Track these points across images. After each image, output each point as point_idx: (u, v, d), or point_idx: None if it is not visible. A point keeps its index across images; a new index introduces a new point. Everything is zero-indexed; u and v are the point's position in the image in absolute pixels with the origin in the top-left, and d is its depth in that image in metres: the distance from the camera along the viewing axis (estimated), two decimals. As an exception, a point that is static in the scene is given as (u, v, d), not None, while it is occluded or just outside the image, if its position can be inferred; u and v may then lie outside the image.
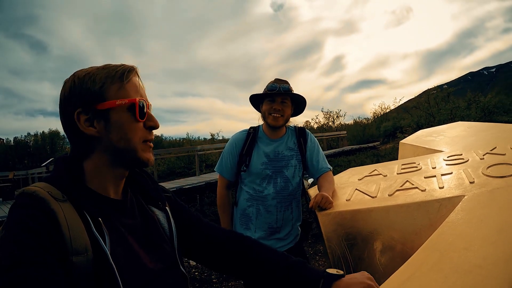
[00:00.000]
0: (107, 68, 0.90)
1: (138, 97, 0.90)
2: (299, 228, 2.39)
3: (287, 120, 2.28)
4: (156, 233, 0.98)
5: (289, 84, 2.23)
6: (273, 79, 2.27)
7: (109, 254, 0.79)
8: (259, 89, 2.33)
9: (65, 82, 0.89)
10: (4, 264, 0.68)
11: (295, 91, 2.24)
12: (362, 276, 0.95)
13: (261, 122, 2.37)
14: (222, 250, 1.11)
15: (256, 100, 2.36)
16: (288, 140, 2.34)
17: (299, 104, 2.34)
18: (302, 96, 2.26)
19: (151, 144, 0.96)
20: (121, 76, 0.89)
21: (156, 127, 0.95)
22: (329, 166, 2.32)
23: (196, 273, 4.72)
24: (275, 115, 2.20)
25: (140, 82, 0.95)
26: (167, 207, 1.07)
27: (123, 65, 0.91)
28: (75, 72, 0.90)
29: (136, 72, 0.94)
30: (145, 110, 0.91)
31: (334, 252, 1.58)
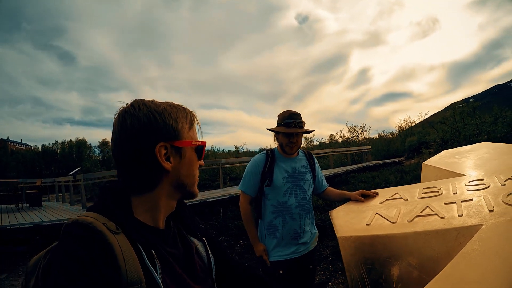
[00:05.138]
0: (176, 107, 0.97)
1: (204, 141, 1.01)
2: (317, 234, 2.78)
3: (300, 146, 2.72)
4: (198, 263, 1.03)
5: (301, 117, 2.64)
6: (286, 111, 2.67)
7: (161, 284, 0.82)
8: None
9: (134, 113, 0.89)
10: None
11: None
12: None
13: (275, 145, 2.82)
14: (246, 285, 1.18)
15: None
16: (302, 160, 2.79)
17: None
18: (311, 130, 2.72)
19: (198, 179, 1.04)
20: (191, 119, 0.99)
21: (202, 166, 1.04)
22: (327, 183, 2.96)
23: None
24: (292, 146, 2.63)
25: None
26: (204, 238, 1.13)
27: (186, 107, 1.00)
28: (143, 104, 0.92)
29: (195, 116, 1.03)
30: (205, 150, 1.03)
31: (352, 276, 1.61)
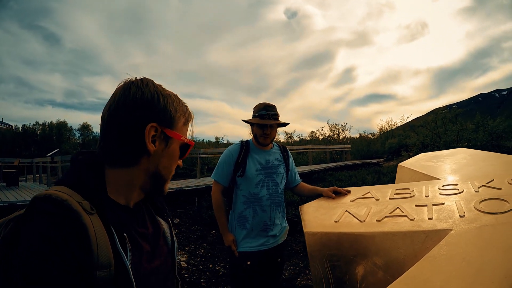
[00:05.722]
0: (180, 100, 0.97)
1: (193, 142, 1.01)
2: (287, 228, 2.79)
3: (273, 139, 2.73)
4: (162, 242, 1.03)
5: (276, 110, 2.65)
6: (261, 103, 2.68)
7: (130, 270, 0.80)
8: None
9: (141, 87, 0.89)
10: (20, 279, 0.67)
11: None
12: None
13: (250, 136, 2.80)
14: None
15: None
16: (276, 153, 2.79)
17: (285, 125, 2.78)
18: (285, 123, 2.71)
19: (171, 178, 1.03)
20: (188, 116, 0.99)
21: (180, 167, 1.03)
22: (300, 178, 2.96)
23: (186, 275, 4.72)
24: (265, 137, 2.64)
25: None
26: (169, 219, 1.13)
27: (187, 105, 1.00)
28: (152, 83, 0.92)
29: (192, 118, 1.03)
30: (188, 152, 1.01)
31: (316, 272, 1.57)
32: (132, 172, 0.90)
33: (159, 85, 0.94)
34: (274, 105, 2.67)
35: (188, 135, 1.01)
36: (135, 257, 0.86)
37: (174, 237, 1.10)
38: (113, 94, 0.90)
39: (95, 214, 0.79)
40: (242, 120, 2.76)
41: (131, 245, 0.85)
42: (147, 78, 0.93)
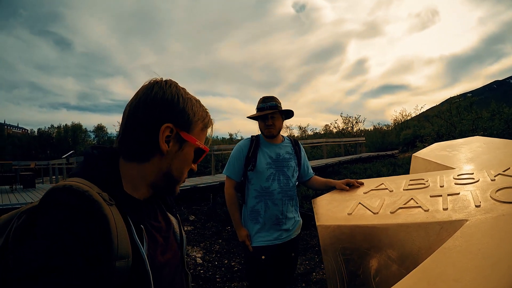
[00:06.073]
0: (201, 105, 0.99)
1: (208, 148, 1.01)
2: (300, 222, 2.80)
3: (280, 129, 2.73)
4: (172, 236, 1.06)
5: (275, 100, 2.68)
6: (261, 97, 2.73)
7: (147, 261, 0.82)
8: (280, 91, 2.90)
9: (163, 87, 0.91)
10: (32, 267, 0.66)
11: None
12: None
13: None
14: None
15: (255, 118, 2.78)
16: (287, 147, 2.78)
17: (287, 111, 2.76)
18: (285, 110, 2.72)
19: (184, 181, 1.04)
20: (208, 122, 1.01)
21: (194, 171, 1.04)
22: (313, 172, 2.93)
23: (202, 271, 4.74)
24: (269, 129, 2.67)
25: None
26: (178, 215, 1.16)
27: (208, 111, 1.02)
28: (175, 85, 0.94)
29: (211, 124, 1.05)
30: (202, 158, 1.02)
31: (329, 265, 1.55)
32: (145, 168, 0.92)
33: (183, 88, 0.96)
34: (273, 96, 2.71)
35: (206, 142, 1.02)
36: (151, 249, 0.88)
37: (183, 233, 1.13)
38: (137, 92, 0.93)
39: (114, 205, 0.80)
40: (247, 117, 2.78)
41: (147, 237, 0.87)
42: (171, 80, 0.95)
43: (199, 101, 0.99)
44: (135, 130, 0.89)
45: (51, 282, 0.65)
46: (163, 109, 0.89)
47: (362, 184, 2.25)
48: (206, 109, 1.01)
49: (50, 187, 0.78)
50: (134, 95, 0.92)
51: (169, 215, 1.10)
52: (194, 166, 1.01)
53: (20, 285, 0.65)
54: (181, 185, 1.03)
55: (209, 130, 1.03)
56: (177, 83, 0.96)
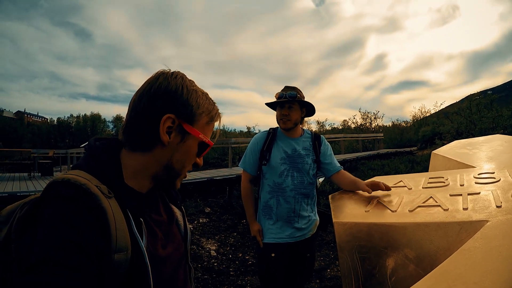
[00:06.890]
0: (207, 98, 0.97)
1: (212, 142, 0.99)
2: (317, 221, 2.66)
3: (296, 123, 2.56)
4: (175, 229, 1.06)
5: (296, 91, 2.51)
6: (283, 87, 2.58)
7: (145, 254, 0.82)
8: (298, 85, 2.58)
9: (168, 78, 0.91)
10: (32, 258, 0.67)
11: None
12: None
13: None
14: None
15: (273, 106, 2.66)
16: (305, 142, 2.63)
17: (309, 106, 2.60)
18: (305, 101, 2.55)
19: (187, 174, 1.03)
20: (215, 116, 0.99)
21: (199, 166, 1.02)
22: (340, 165, 2.62)
23: (215, 264, 4.77)
24: (284, 119, 2.52)
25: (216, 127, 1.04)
26: (182, 207, 1.15)
27: (215, 104, 1.00)
28: (181, 76, 0.93)
29: (219, 117, 1.02)
30: (206, 152, 1.00)
31: (345, 263, 1.53)
32: (147, 158, 0.91)
33: (190, 80, 0.95)
34: (294, 87, 2.55)
35: (211, 136, 1.00)
36: (150, 242, 0.88)
37: (188, 225, 1.12)
38: (144, 82, 0.92)
39: (112, 198, 0.80)
40: (265, 104, 2.67)
41: (147, 230, 0.87)
42: (179, 72, 0.94)
43: (206, 94, 0.98)
44: (138, 120, 0.89)
45: (50, 273, 0.66)
46: (166, 99, 0.88)
47: (389, 189, 1.93)
48: (213, 102, 0.99)
49: (52, 179, 0.79)
50: (141, 85, 0.92)
51: (173, 207, 1.10)
52: (199, 160, 1.00)
53: (21, 275, 0.66)
54: (193, 178, 1.02)
55: (216, 124, 1.02)
56: (184, 75, 0.94)
